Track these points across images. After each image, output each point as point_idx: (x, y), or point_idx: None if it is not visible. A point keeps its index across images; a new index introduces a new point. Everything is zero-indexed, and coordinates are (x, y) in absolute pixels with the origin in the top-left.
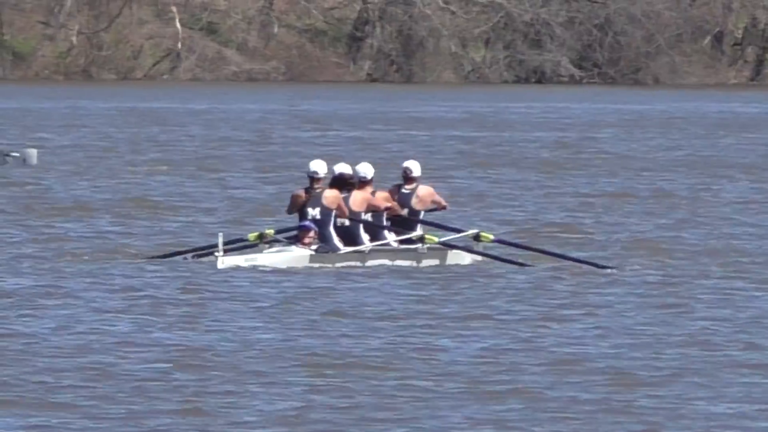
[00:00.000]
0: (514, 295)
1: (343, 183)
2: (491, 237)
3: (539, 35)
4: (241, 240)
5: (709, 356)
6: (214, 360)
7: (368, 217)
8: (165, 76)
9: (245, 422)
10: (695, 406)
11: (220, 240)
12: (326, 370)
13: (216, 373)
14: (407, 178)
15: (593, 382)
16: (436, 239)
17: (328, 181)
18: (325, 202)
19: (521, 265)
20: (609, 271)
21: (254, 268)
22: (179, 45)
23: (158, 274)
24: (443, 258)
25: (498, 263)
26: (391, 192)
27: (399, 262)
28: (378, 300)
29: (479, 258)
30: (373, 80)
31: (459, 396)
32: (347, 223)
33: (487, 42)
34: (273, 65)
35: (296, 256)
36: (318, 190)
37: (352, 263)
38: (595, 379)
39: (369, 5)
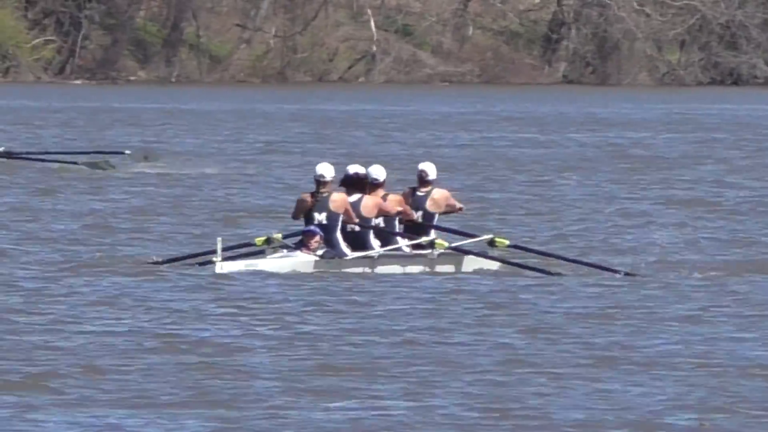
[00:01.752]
0: (532, 302)
1: (355, 183)
2: (506, 242)
3: (735, 37)
4: (248, 244)
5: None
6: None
7: (380, 221)
8: (360, 79)
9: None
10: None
11: (219, 245)
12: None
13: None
14: (422, 180)
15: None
16: (446, 244)
17: (336, 183)
18: (332, 206)
19: (541, 271)
20: (620, 276)
21: (254, 275)
22: (374, 47)
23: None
24: (457, 264)
25: (515, 269)
26: (404, 195)
27: (410, 269)
28: (388, 307)
29: (495, 264)
30: (569, 82)
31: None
32: (357, 228)
33: (682, 44)
34: (468, 67)
35: (300, 261)
36: (324, 194)
37: (360, 269)
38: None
39: (564, 7)
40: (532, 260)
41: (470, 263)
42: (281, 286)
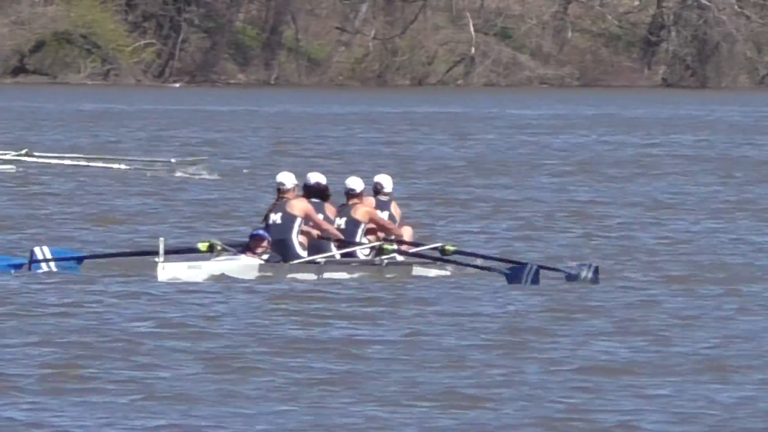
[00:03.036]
0: (483, 308)
1: (316, 192)
2: (452, 249)
3: None
4: (191, 250)
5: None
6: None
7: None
8: (459, 82)
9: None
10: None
11: (161, 246)
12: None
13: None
14: (378, 193)
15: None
16: (393, 247)
17: (298, 192)
18: (288, 208)
19: (488, 269)
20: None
21: (196, 277)
22: (473, 50)
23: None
24: (406, 271)
25: (466, 272)
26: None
27: (358, 275)
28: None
29: (447, 271)
30: (668, 85)
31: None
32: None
33: None
34: (567, 70)
35: (244, 265)
36: (284, 199)
37: (306, 275)
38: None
39: (663, 10)
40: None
41: (419, 271)
42: (222, 288)
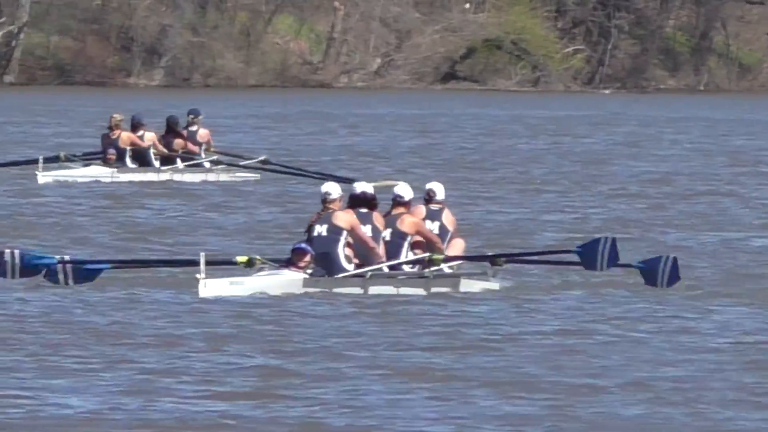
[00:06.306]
0: (542, 319)
1: (362, 202)
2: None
3: None
4: (229, 262)
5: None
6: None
7: (386, 235)
8: None
9: None
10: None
11: (202, 260)
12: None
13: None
14: (431, 201)
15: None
16: (441, 257)
17: (344, 202)
18: (334, 220)
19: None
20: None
21: (240, 293)
22: None
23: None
24: (454, 285)
25: (515, 285)
26: (417, 213)
27: (404, 289)
28: (376, 329)
29: (496, 285)
30: None
31: None
32: (388, 237)
33: None
34: None
35: (288, 280)
36: (330, 211)
37: (351, 289)
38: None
39: None
40: (535, 279)
41: (468, 284)
42: (268, 304)
